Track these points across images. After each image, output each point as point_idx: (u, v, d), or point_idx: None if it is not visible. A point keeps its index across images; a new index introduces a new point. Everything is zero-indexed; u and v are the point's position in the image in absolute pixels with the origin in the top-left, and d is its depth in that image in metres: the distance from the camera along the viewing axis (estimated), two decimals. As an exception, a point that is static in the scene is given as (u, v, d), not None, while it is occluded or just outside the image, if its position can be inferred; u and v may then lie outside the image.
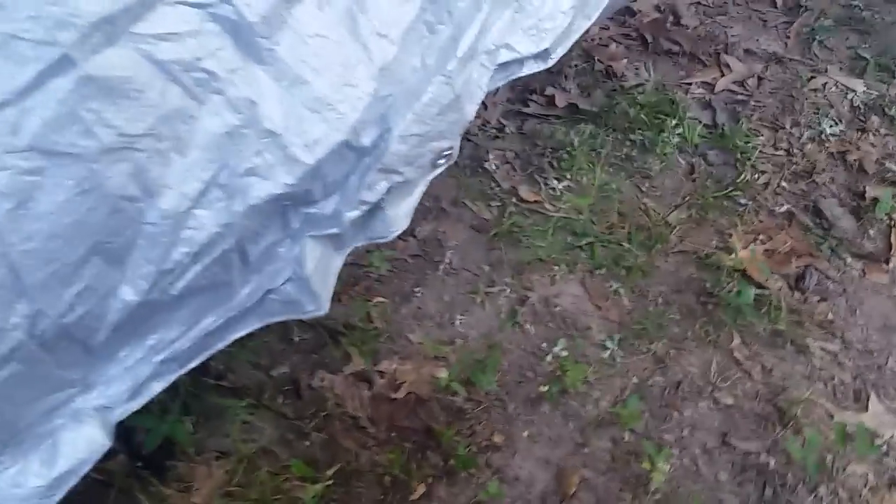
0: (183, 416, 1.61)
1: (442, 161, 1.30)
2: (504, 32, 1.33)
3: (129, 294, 1.05)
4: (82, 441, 1.12)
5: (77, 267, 0.98)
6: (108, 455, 1.53)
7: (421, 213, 2.07)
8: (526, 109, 2.35)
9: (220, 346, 1.23)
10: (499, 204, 2.14)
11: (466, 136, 2.26)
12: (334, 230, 1.20)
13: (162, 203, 1.02)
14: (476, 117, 2.30)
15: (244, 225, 1.10)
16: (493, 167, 2.21)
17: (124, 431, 1.55)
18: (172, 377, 1.20)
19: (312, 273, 1.20)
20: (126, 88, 0.95)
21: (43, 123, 0.90)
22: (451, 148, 1.28)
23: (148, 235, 1.03)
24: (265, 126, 1.07)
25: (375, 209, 1.25)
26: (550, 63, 1.42)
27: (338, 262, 1.26)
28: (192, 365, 1.22)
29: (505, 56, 1.34)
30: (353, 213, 1.20)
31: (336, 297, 1.88)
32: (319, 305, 1.22)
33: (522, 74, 1.40)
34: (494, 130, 2.31)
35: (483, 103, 2.30)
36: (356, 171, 1.18)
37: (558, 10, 1.40)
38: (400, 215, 1.27)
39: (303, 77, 1.09)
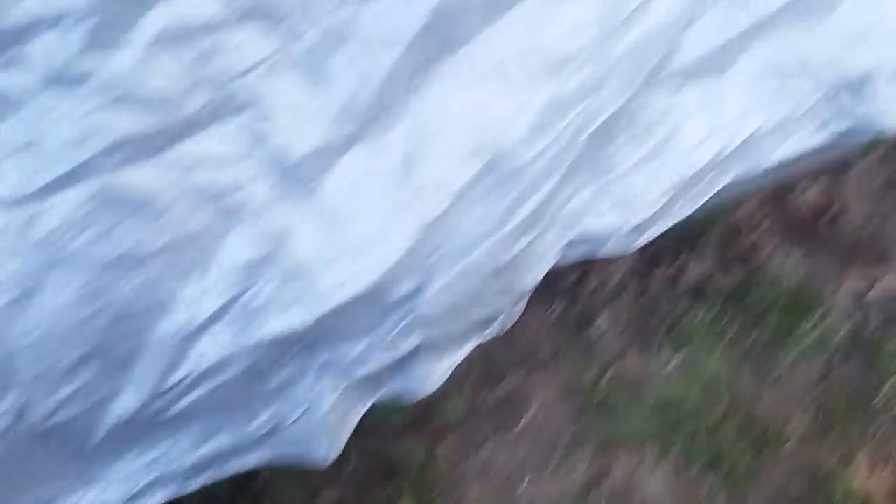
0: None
1: (491, 325, 1.23)
2: (584, 203, 1.25)
3: (126, 404, 1.05)
4: (62, 540, 1.11)
5: (71, 369, 0.99)
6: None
7: (513, 362, 1.98)
8: (651, 274, 2.22)
9: (229, 472, 1.20)
10: (598, 369, 2.01)
11: (579, 291, 2.16)
12: (357, 376, 1.15)
13: (171, 320, 1.02)
14: (594, 273, 2.21)
15: (257, 354, 1.07)
16: (602, 328, 2.09)
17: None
18: (172, 492, 1.18)
19: (326, 417, 1.15)
20: (149, 205, 0.97)
21: (54, 225, 0.92)
22: (499, 313, 1.21)
23: (152, 350, 1.02)
24: (292, 261, 1.05)
25: (409, 362, 1.19)
26: (638, 244, 1.33)
27: (359, 409, 1.21)
28: (195, 486, 1.19)
29: (581, 229, 1.26)
30: (378, 363, 1.14)
31: (403, 431, 1.83)
32: (329, 453, 1.16)
33: (602, 253, 1.31)
34: (612, 290, 2.19)
35: (605, 259, 2.22)
36: (387, 320, 1.13)
37: (655, 190, 1.31)
38: (434, 373, 1.20)
39: (342, 218, 1.07)
